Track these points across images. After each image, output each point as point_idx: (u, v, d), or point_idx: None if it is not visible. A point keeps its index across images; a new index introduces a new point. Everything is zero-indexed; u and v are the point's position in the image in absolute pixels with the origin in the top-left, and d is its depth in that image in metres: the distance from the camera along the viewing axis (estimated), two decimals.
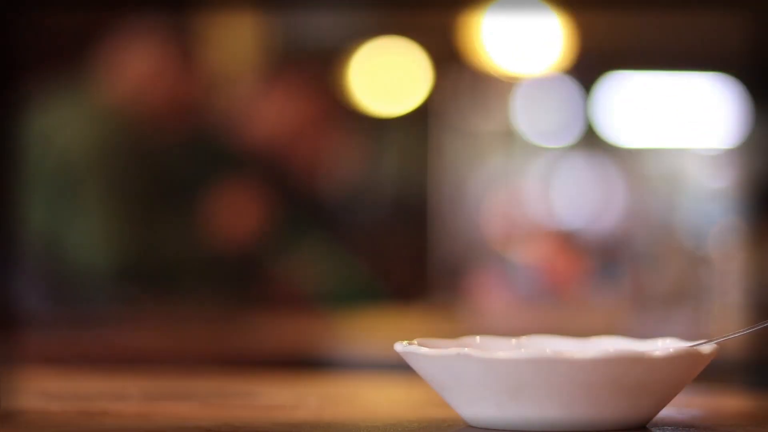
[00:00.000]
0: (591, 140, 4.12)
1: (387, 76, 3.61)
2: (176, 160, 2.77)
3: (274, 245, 2.86)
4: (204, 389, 0.92)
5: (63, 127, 2.65)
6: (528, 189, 3.78)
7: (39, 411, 0.74)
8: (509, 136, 3.83)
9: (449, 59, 3.61)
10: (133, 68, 2.70)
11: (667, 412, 0.64)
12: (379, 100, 3.62)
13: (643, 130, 4.22)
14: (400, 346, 0.63)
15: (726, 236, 2.69)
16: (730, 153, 3.62)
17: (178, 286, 2.69)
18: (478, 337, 0.69)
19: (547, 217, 3.67)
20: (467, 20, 3.53)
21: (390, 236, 3.44)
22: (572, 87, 4.02)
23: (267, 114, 3.00)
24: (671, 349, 0.60)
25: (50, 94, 2.71)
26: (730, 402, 0.86)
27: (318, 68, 3.32)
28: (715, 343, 0.64)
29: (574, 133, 4.11)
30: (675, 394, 0.62)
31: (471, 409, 0.61)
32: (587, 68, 3.83)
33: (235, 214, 2.81)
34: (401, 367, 0.68)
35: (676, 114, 4.19)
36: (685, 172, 4.08)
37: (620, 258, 3.11)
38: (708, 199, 3.46)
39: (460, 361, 0.59)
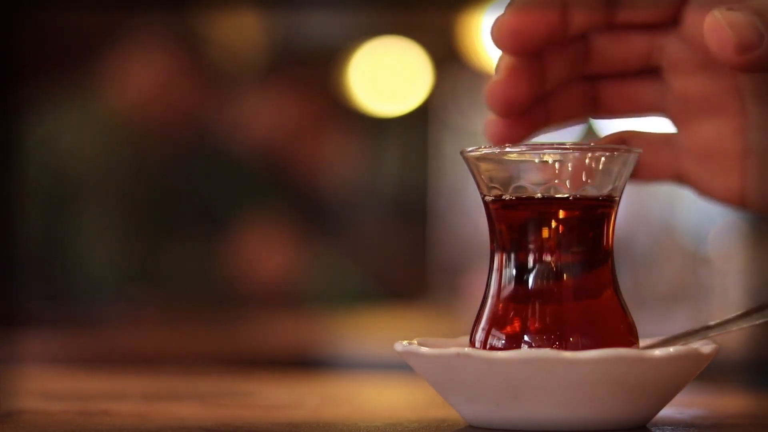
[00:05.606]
0: (590, 139, 4.11)
1: (387, 76, 3.61)
2: (181, 168, 2.77)
3: (277, 249, 2.86)
4: (204, 389, 0.92)
5: (66, 131, 2.65)
6: None
7: (39, 411, 0.74)
8: None
9: (449, 59, 3.61)
10: (138, 74, 2.70)
11: (667, 412, 0.64)
12: (379, 100, 3.62)
13: (643, 129, 4.22)
14: (400, 346, 0.63)
15: (726, 236, 2.69)
16: None
17: (179, 290, 2.69)
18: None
19: None
20: (467, 20, 3.53)
21: (389, 236, 3.44)
22: None
23: (266, 115, 3.00)
24: (671, 349, 0.60)
25: (54, 98, 2.71)
26: (730, 402, 0.86)
27: (318, 68, 3.32)
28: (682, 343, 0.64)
29: (574, 133, 4.11)
30: (675, 394, 0.62)
31: (471, 409, 0.61)
32: None
33: (242, 229, 2.81)
34: (401, 367, 0.68)
35: None
36: None
37: (620, 257, 3.10)
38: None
39: (460, 361, 0.59)
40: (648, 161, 0.74)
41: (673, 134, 0.74)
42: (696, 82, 0.70)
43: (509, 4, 0.69)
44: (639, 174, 0.75)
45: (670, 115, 0.73)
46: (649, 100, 0.73)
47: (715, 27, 0.63)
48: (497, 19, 0.68)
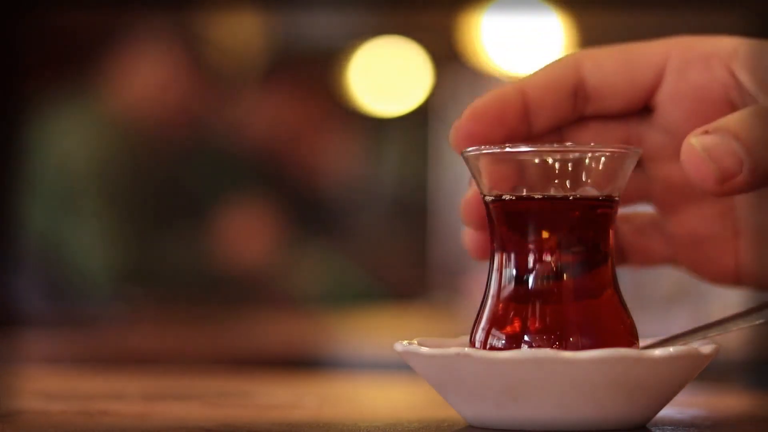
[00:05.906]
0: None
1: (387, 76, 3.61)
2: (181, 168, 2.78)
3: (277, 249, 2.86)
4: (203, 389, 0.92)
5: (65, 132, 2.65)
6: None
7: (39, 411, 0.74)
8: None
9: (449, 59, 3.61)
10: (138, 75, 2.70)
11: (667, 412, 0.64)
12: (379, 100, 3.62)
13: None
14: (400, 346, 0.62)
15: None
16: None
17: (179, 290, 2.69)
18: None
19: None
20: (467, 20, 3.53)
21: (390, 236, 3.44)
22: None
23: (267, 115, 3.00)
24: (671, 349, 0.60)
25: (54, 99, 2.71)
26: (730, 402, 0.86)
27: (318, 68, 3.31)
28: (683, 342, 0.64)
29: None
30: (675, 394, 0.62)
31: (471, 409, 0.61)
32: None
33: (243, 229, 2.81)
34: (401, 367, 0.68)
35: None
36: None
37: None
38: None
39: (460, 361, 0.59)
40: (640, 246, 0.72)
41: (662, 218, 0.72)
42: (677, 169, 0.67)
43: (467, 107, 0.67)
44: (632, 259, 0.73)
45: (655, 203, 0.72)
46: (633, 189, 0.71)
47: (694, 158, 0.60)
48: (454, 123, 0.66)
